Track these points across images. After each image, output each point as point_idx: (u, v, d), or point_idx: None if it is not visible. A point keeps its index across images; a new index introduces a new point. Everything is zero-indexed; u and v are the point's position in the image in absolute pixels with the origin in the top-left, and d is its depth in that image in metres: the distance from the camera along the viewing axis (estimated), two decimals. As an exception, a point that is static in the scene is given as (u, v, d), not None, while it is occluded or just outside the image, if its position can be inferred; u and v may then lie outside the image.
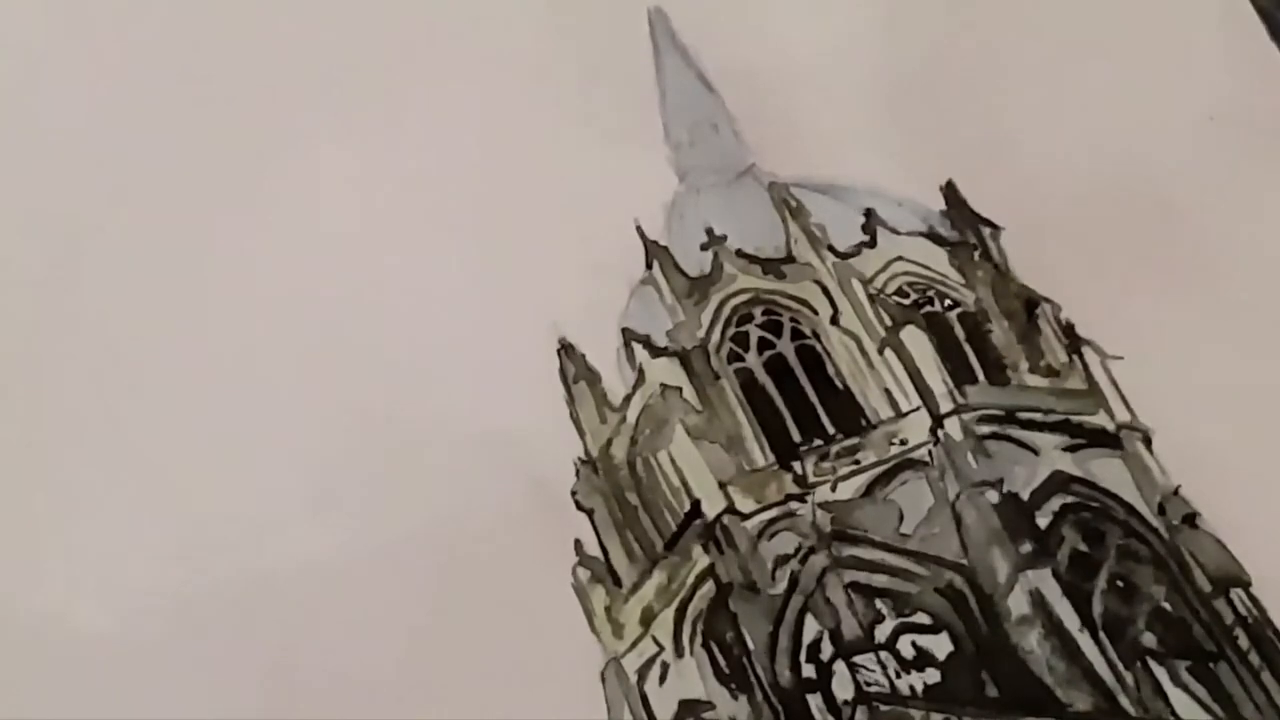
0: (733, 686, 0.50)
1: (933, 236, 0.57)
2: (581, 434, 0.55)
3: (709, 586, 0.51)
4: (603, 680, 0.51)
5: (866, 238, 0.57)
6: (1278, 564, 0.49)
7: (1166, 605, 0.49)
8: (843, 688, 0.49)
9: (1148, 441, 0.52)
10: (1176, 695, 0.48)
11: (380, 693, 0.51)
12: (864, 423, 0.53)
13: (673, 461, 0.53)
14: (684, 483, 0.53)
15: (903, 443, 0.53)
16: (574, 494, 0.54)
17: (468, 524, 0.53)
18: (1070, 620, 0.49)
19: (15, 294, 0.59)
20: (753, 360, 0.55)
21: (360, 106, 0.62)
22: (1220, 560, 0.50)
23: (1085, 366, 0.54)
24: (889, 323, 0.54)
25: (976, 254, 0.56)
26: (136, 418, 0.56)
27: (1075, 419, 0.53)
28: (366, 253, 0.59)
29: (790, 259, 0.57)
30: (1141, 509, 0.51)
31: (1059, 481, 0.51)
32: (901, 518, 0.51)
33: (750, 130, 0.60)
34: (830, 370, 0.54)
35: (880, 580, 0.51)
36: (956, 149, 0.58)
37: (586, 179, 0.59)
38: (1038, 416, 0.53)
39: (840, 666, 0.49)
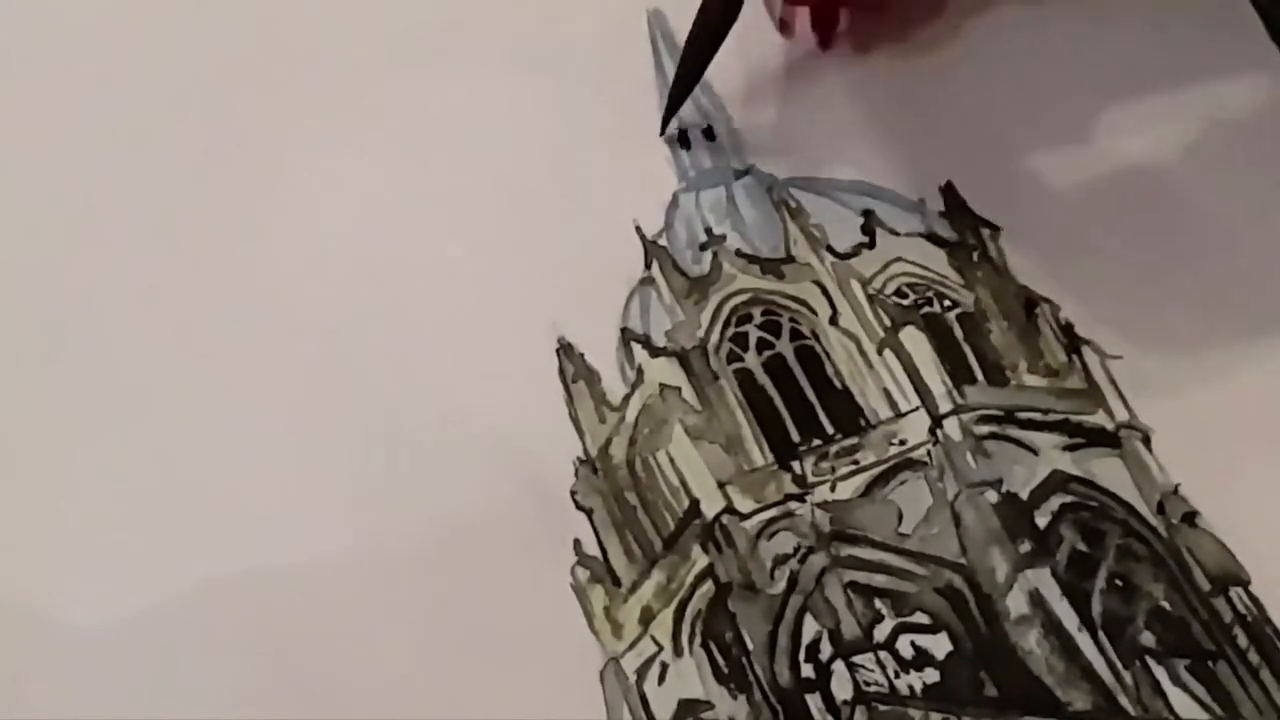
0: (732, 686, 0.50)
1: (932, 237, 0.57)
2: (580, 434, 0.54)
3: (708, 586, 0.51)
4: (601, 680, 0.51)
5: (866, 238, 0.57)
6: (1278, 563, 0.49)
7: (1165, 604, 0.49)
8: (842, 687, 0.49)
9: (1147, 441, 0.52)
10: (1175, 694, 0.48)
11: (378, 692, 0.51)
12: (863, 423, 0.53)
13: (671, 461, 0.53)
14: (683, 482, 0.53)
15: (902, 443, 0.52)
16: (573, 493, 0.53)
17: (465, 523, 0.53)
18: (1069, 620, 0.49)
19: (17, 292, 0.59)
20: (752, 360, 0.55)
21: (357, 108, 0.62)
22: (1219, 559, 0.50)
23: (1085, 366, 0.54)
24: (888, 323, 0.54)
25: (976, 254, 0.56)
26: (135, 417, 0.56)
27: (1075, 419, 0.53)
28: (365, 253, 0.59)
29: (789, 259, 0.57)
30: (1140, 508, 0.51)
31: (1058, 481, 0.51)
32: (900, 518, 0.51)
33: (750, 130, 0.60)
34: (829, 370, 0.54)
35: (879, 580, 0.50)
36: (957, 149, 0.58)
37: (586, 179, 0.59)
38: (1037, 416, 0.53)
39: (839, 666, 0.49)
